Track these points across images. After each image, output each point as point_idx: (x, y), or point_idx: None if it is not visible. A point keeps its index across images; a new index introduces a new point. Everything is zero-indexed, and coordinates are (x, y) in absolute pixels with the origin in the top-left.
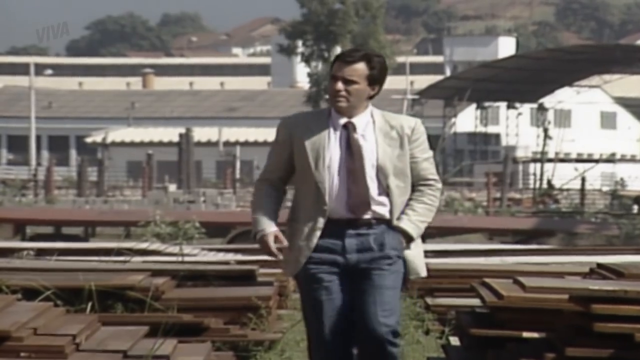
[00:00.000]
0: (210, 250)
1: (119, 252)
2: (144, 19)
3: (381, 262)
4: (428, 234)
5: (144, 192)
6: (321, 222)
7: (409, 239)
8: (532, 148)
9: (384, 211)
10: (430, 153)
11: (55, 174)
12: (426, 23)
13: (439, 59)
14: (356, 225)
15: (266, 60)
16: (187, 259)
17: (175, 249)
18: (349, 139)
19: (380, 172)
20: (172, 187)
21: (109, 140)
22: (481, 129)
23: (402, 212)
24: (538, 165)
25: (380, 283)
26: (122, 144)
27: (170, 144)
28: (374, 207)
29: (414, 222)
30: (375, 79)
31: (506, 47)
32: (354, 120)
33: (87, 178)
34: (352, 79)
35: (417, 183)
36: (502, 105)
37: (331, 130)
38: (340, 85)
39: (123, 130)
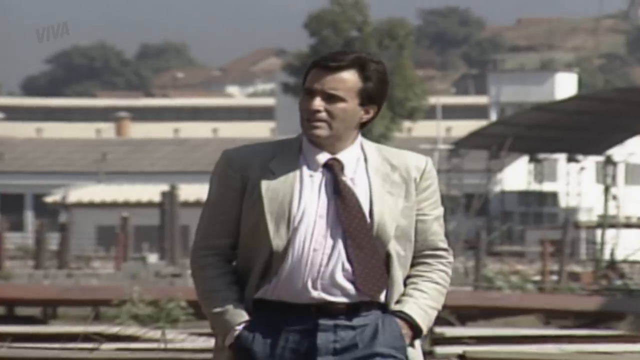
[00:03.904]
0: (200, 335)
1: (86, 337)
2: (118, 50)
3: None
4: (469, 316)
5: (118, 264)
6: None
7: (417, 331)
8: (597, 211)
9: None
10: (441, 210)
11: (7, 241)
12: (467, 55)
13: (482, 99)
14: (334, 312)
15: (269, 101)
16: (170, 345)
17: (156, 334)
18: (336, 183)
19: (377, 233)
20: (153, 258)
21: (73, 199)
22: (535, 186)
23: (403, 293)
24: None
25: None
26: (91, 204)
27: (150, 204)
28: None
29: (422, 307)
30: (372, 97)
31: (566, 85)
32: (340, 156)
33: (47, 246)
34: (337, 94)
35: (421, 253)
36: (561, 157)
37: (305, 171)
38: (318, 102)
39: (92, 188)
